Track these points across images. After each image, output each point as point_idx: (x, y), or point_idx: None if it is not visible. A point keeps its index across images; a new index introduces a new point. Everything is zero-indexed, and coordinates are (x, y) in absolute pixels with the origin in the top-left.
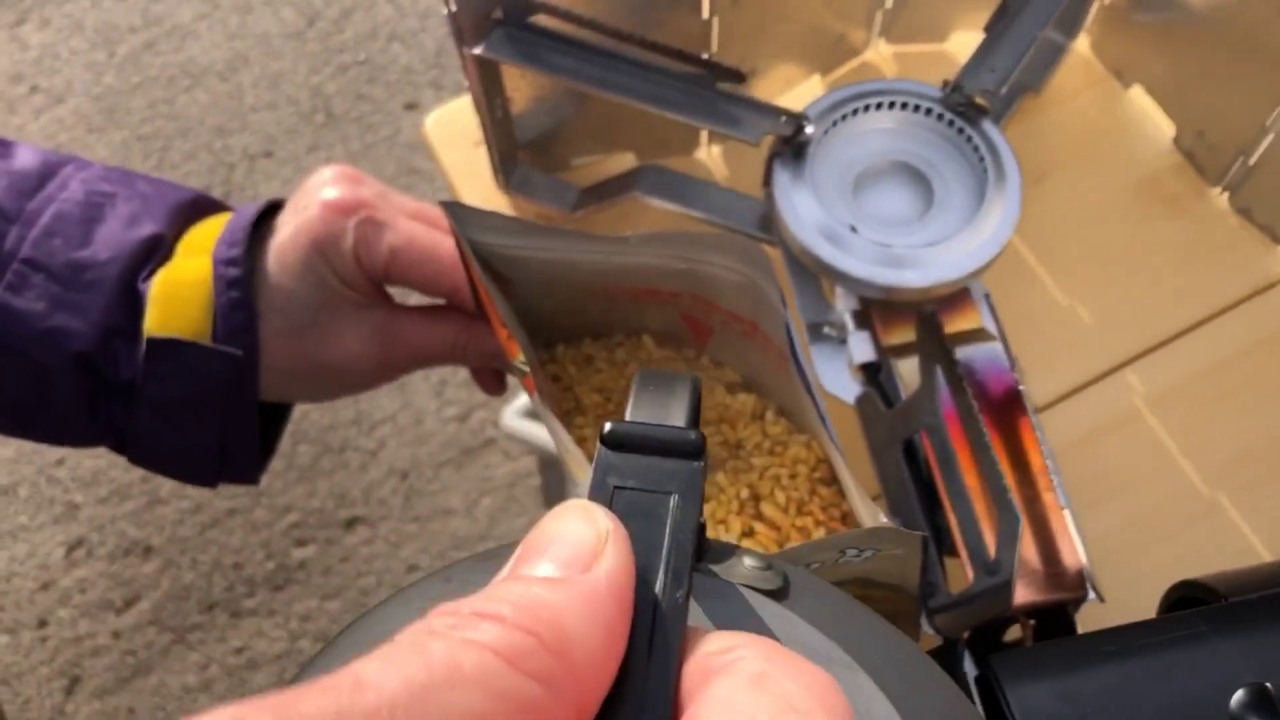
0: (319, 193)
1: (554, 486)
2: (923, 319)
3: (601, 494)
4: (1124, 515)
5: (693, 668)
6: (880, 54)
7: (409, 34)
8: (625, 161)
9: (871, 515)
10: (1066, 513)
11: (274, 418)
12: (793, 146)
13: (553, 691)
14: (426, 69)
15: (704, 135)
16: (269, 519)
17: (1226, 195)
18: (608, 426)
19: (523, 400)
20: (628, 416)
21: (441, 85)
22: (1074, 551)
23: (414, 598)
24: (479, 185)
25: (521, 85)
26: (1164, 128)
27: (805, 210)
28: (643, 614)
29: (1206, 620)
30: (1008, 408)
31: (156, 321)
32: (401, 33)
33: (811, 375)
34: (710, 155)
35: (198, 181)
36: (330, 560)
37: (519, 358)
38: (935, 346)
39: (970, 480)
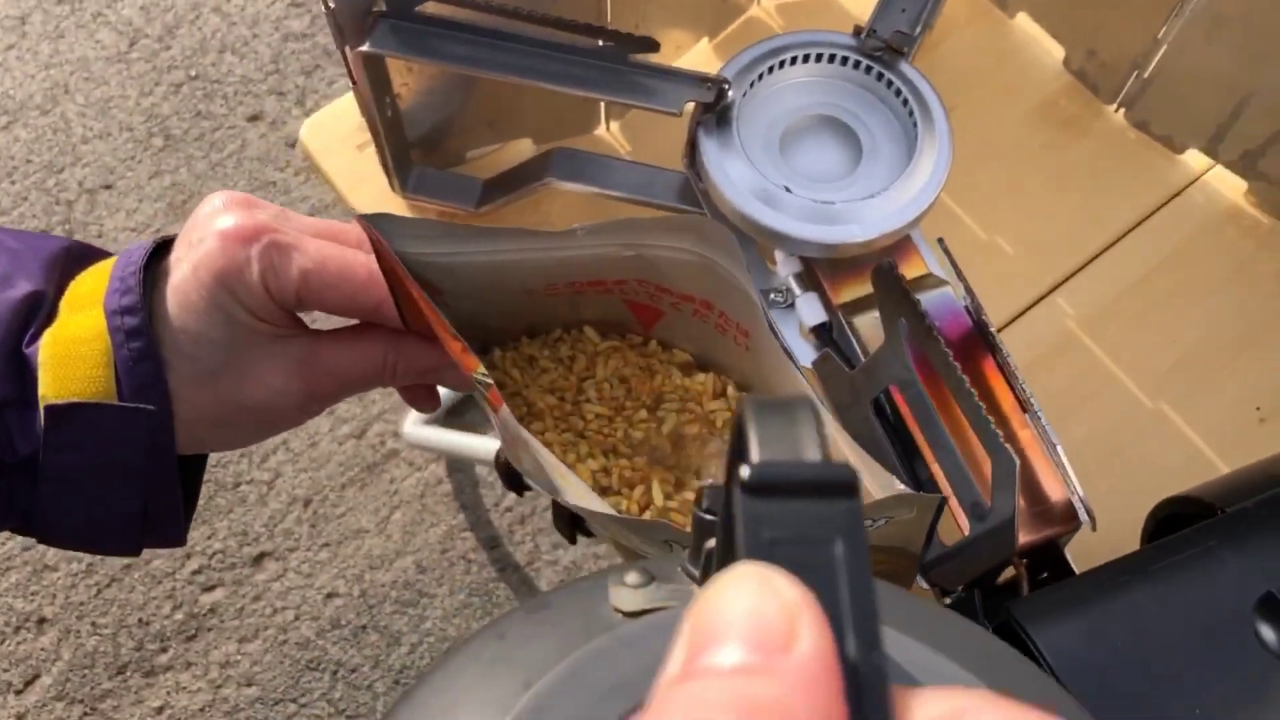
0: (213, 223)
1: (467, 491)
2: (880, 272)
3: (760, 553)
4: (1075, 438)
5: None
6: (764, 9)
7: (240, 43)
8: (522, 149)
9: (884, 483)
10: (1059, 447)
11: (191, 470)
12: (716, 112)
13: None
14: (265, 77)
15: (603, 112)
16: (169, 568)
17: (1123, 111)
18: (747, 472)
19: None
20: (755, 457)
21: (284, 92)
22: (1058, 485)
23: (468, 662)
24: (371, 191)
25: (410, 80)
26: (1053, 51)
27: (738, 175)
28: (847, 687)
29: (1212, 535)
30: (969, 350)
31: (52, 387)
32: (232, 42)
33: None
34: (611, 133)
35: (34, 224)
36: (242, 601)
37: (478, 370)
38: (896, 298)
39: (951, 428)
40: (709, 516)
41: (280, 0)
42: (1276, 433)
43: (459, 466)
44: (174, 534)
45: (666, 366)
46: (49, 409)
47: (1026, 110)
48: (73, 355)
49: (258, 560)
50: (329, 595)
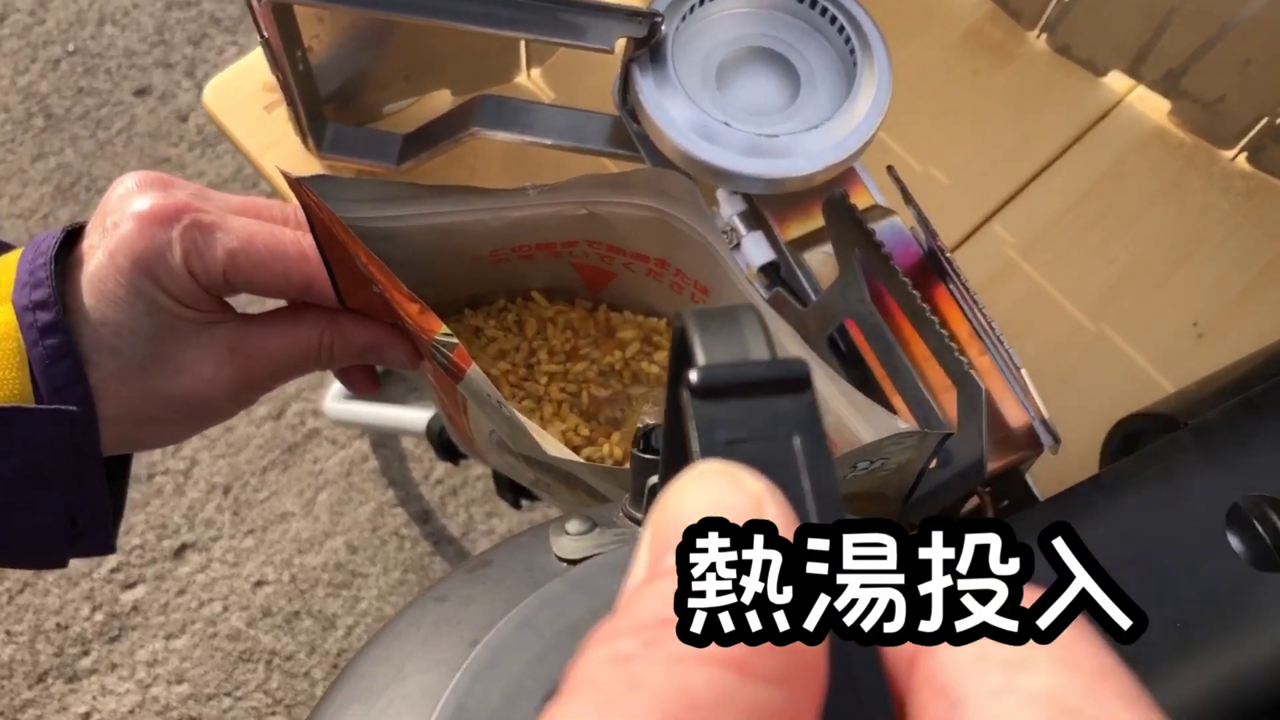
0: (128, 205)
1: (394, 466)
2: (831, 204)
3: (716, 454)
4: (1023, 363)
5: None
6: None
7: (120, 14)
8: (441, 102)
9: (882, 425)
10: (1022, 370)
11: (116, 472)
12: (649, 48)
13: (791, 691)
14: (150, 49)
15: (523, 59)
16: (85, 568)
17: (1045, 36)
18: (694, 375)
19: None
20: (700, 361)
21: (171, 64)
22: (1019, 411)
23: (408, 629)
24: (284, 153)
25: (321, 31)
26: None
27: (677, 112)
28: None
29: (1176, 449)
30: (921, 279)
31: None
32: (112, 13)
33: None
34: (532, 79)
35: None
36: (165, 596)
37: (440, 332)
38: (850, 229)
39: (912, 361)
40: (648, 455)
41: None
42: (1214, 347)
43: (384, 442)
44: (103, 541)
45: (619, 325)
46: None
47: (954, 39)
48: None
49: (179, 553)
50: (257, 583)
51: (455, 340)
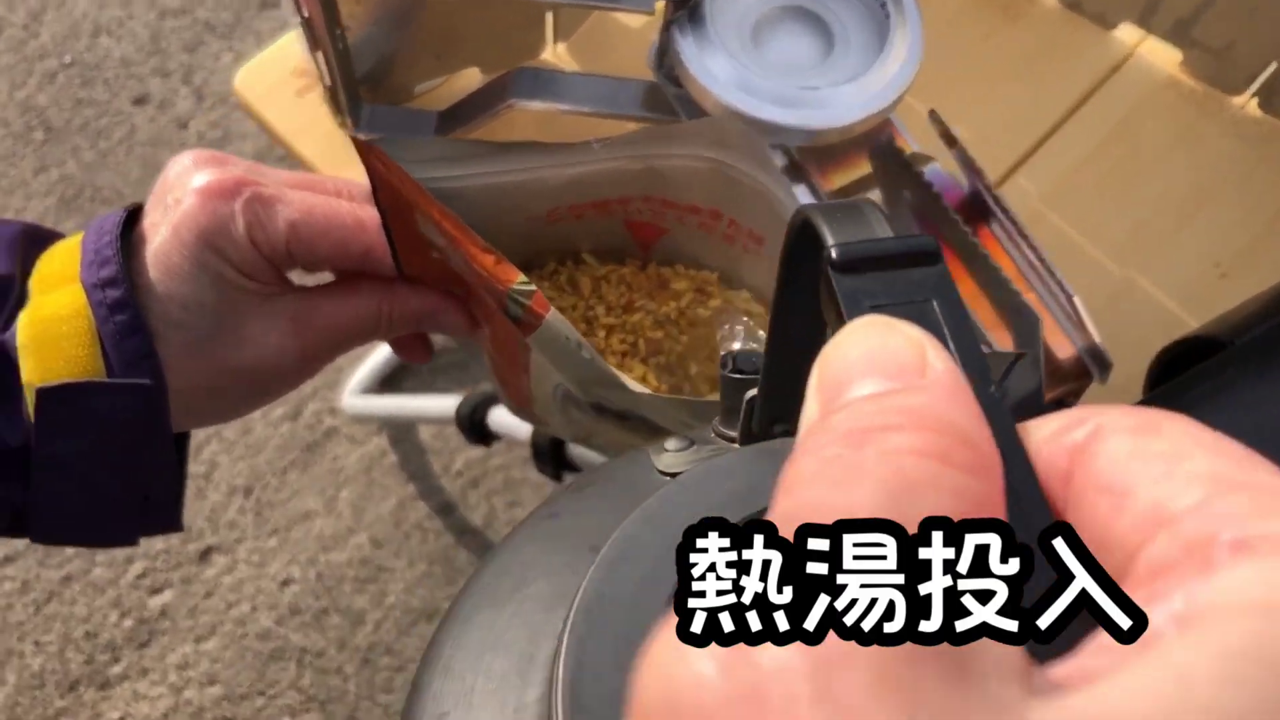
0: (188, 181)
1: (414, 460)
2: (879, 150)
3: (862, 313)
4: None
5: (1047, 453)
6: None
7: (115, 24)
8: (470, 80)
9: None
10: (1075, 298)
11: (180, 449)
12: (688, 8)
13: (987, 482)
14: (146, 57)
15: (549, 34)
16: (111, 575)
17: None
18: (834, 251)
19: (358, 378)
20: (831, 241)
21: (168, 72)
22: (1066, 343)
23: (524, 543)
24: (318, 136)
25: (358, 10)
26: None
27: (719, 70)
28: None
29: (1228, 366)
30: (967, 220)
31: (37, 371)
32: (106, 24)
33: None
34: (558, 54)
35: None
36: (193, 599)
37: (518, 280)
38: (897, 173)
39: (965, 296)
40: (739, 376)
41: None
42: (1238, 285)
43: (402, 437)
44: (172, 517)
45: (671, 278)
46: (39, 393)
47: (964, 0)
48: (54, 335)
49: (204, 556)
50: (284, 582)
51: (533, 287)
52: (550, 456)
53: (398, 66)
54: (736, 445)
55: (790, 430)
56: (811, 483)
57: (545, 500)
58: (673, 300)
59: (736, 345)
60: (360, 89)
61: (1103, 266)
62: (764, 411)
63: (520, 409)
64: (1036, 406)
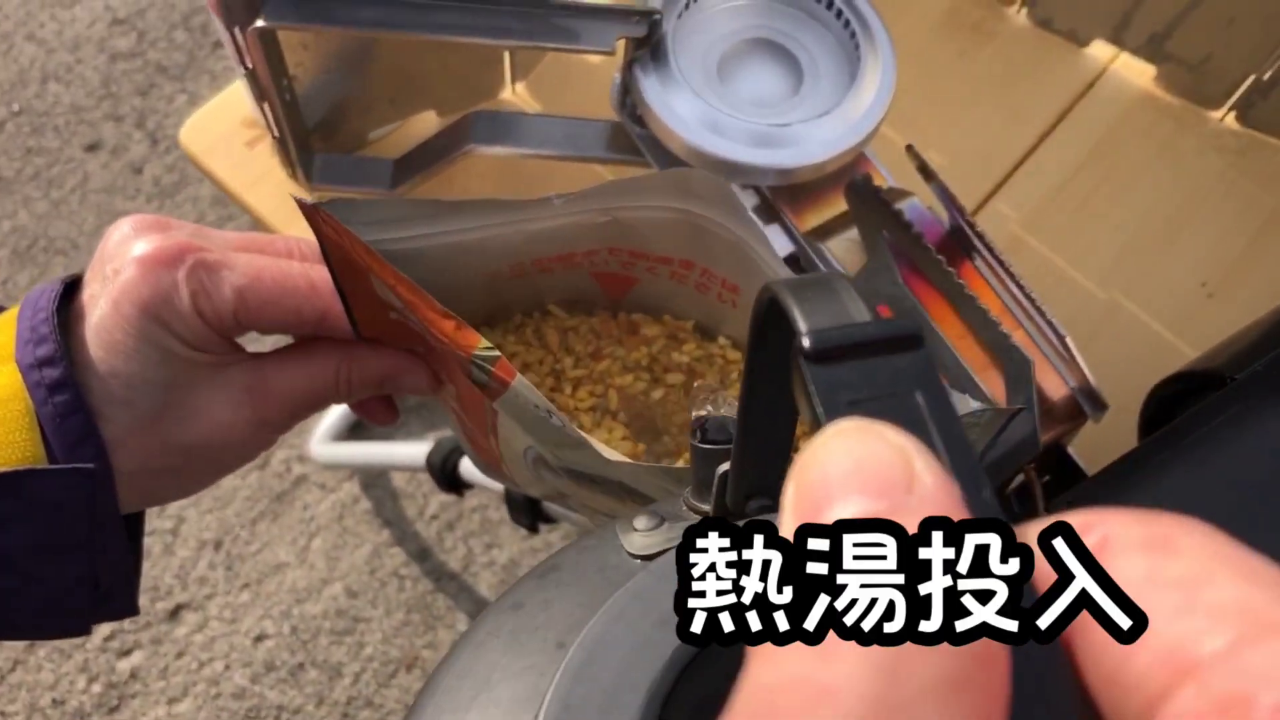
0: (128, 250)
1: (387, 505)
2: (854, 188)
3: (840, 414)
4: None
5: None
6: None
7: (64, 70)
8: (426, 124)
9: (958, 403)
10: (1068, 339)
11: (131, 531)
12: (650, 47)
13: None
14: (97, 102)
15: (507, 74)
16: (77, 639)
17: (1025, 11)
18: (807, 340)
19: (326, 424)
20: (803, 327)
21: (120, 116)
22: (1058, 382)
23: (488, 639)
24: (270, 188)
25: (305, 58)
26: None
27: (683, 109)
28: None
29: (1232, 401)
30: (948, 257)
31: None
32: (54, 70)
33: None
34: (518, 94)
35: None
36: (164, 660)
37: (480, 346)
38: (875, 211)
39: (951, 339)
40: (709, 445)
41: (100, 20)
42: (1226, 304)
43: (374, 482)
44: (127, 604)
45: (642, 324)
46: None
47: (934, 20)
48: None
49: (174, 614)
50: (258, 638)
51: (497, 353)
52: (525, 508)
53: (350, 113)
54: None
55: (766, 506)
56: (791, 648)
57: (509, 588)
58: (644, 346)
59: (708, 410)
60: (311, 138)
61: (1087, 291)
62: (737, 485)
63: (489, 468)
64: (1032, 451)
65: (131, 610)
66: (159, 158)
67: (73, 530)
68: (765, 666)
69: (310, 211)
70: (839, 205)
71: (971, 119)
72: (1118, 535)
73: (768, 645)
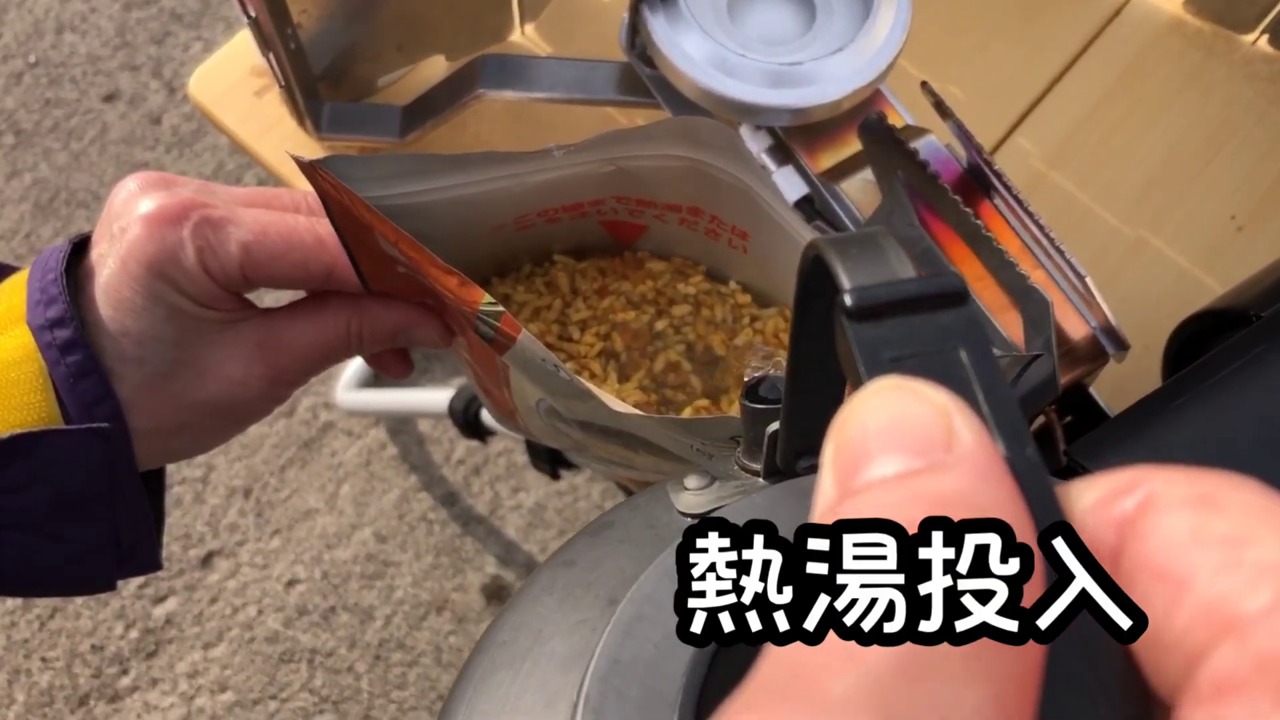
0: (134, 208)
1: (414, 451)
2: (868, 127)
3: (882, 371)
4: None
5: (1093, 525)
6: None
7: (78, 20)
8: (435, 69)
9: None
10: (1088, 278)
11: (153, 486)
12: None
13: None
14: (113, 52)
15: (516, 15)
16: None
17: None
18: (848, 297)
19: (350, 371)
20: (846, 284)
21: (136, 66)
22: (1079, 323)
23: (541, 594)
24: (280, 137)
25: (309, 5)
26: None
27: (693, 48)
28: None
29: (1257, 341)
30: (966, 196)
31: None
32: (70, 20)
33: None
34: (527, 35)
35: None
36: (198, 606)
37: (484, 301)
38: (890, 151)
39: (969, 279)
40: (761, 406)
41: None
42: (1256, 238)
43: (400, 427)
44: (150, 559)
45: (647, 259)
46: None
47: None
48: (2, 382)
49: (206, 561)
50: (289, 583)
51: (501, 309)
52: (546, 455)
53: (358, 60)
54: (760, 480)
55: (816, 465)
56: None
57: (562, 545)
58: (649, 280)
59: (764, 369)
60: (319, 86)
61: (1112, 227)
62: (788, 445)
63: (505, 419)
64: (1052, 393)
65: (155, 565)
66: (176, 107)
67: (92, 490)
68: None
69: (309, 169)
70: (854, 145)
71: (992, 50)
72: (1162, 493)
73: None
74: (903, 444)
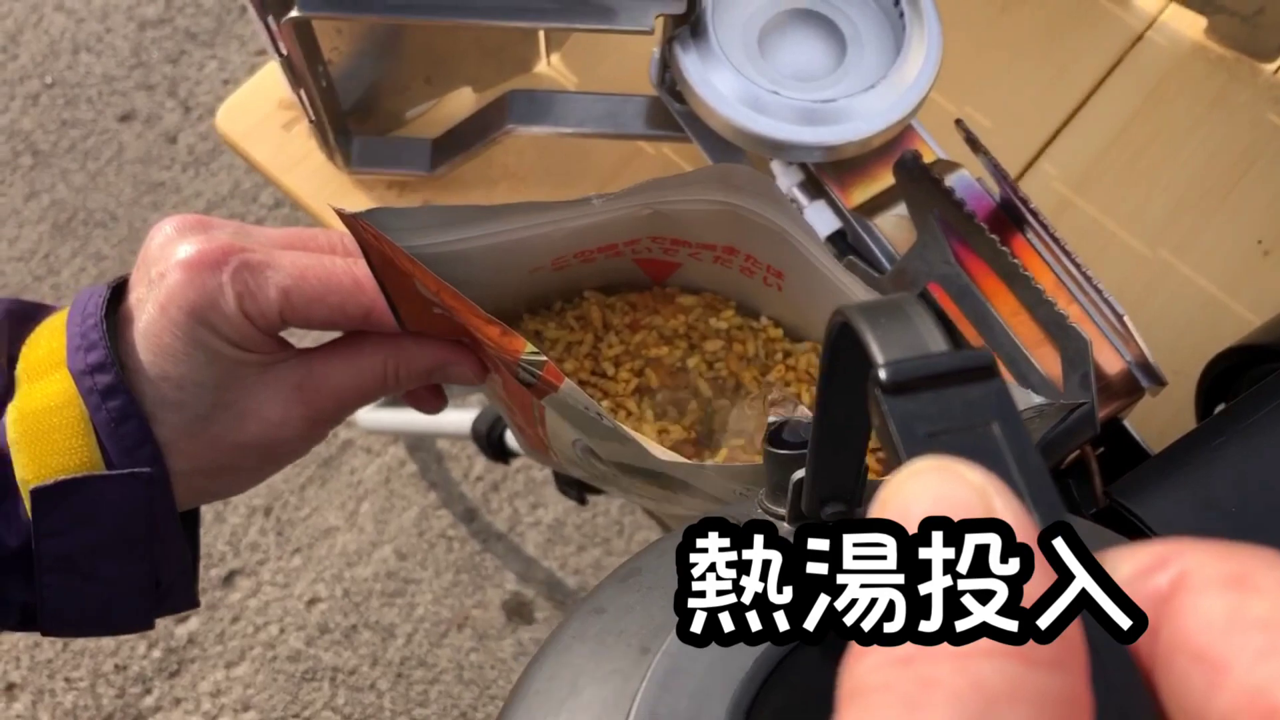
0: (172, 254)
1: (433, 468)
2: (903, 165)
3: (919, 448)
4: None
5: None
6: None
7: (94, 40)
8: (463, 101)
9: (1016, 395)
10: (1125, 317)
11: (189, 526)
12: (689, 22)
13: (1070, 675)
14: (128, 72)
15: (542, 46)
16: None
17: None
18: (883, 372)
19: None
20: (880, 358)
21: (152, 85)
22: (1114, 358)
23: (574, 643)
24: (309, 172)
25: (340, 42)
26: None
27: (724, 85)
28: None
29: None
30: (999, 231)
31: (31, 469)
32: (85, 40)
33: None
34: (553, 66)
35: None
36: (220, 625)
37: (526, 350)
38: (925, 188)
39: (1005, 316)
40: (785, 452)
41: None
42: None
43: (419, 445)
44: (187, 597)
45: (677, 294)
46: (33, 493)
47: None
48: (45, 428)
49: (228, 580)
50: (311, 601)
51: (544, 358)
52: (573, 480)
53: (386, 94)
54: (785, 525)
55: (841, 511)
56: (878, 702)
57: (591, 591)
58: (680, 314)
59: (784, 412)
60: (348, 120)
61: (1138, 252)
62: (813, 492)
63: (536, 453)
64: (1090, 431)
65: (192, 603)
66: (192, 126)
67: (132, 533)
68: (855, 717)
69: (350, 221)
70: (886, 179)
71: (1015, 76)
72: (1196, 571)
73: (858, 694)
74: None
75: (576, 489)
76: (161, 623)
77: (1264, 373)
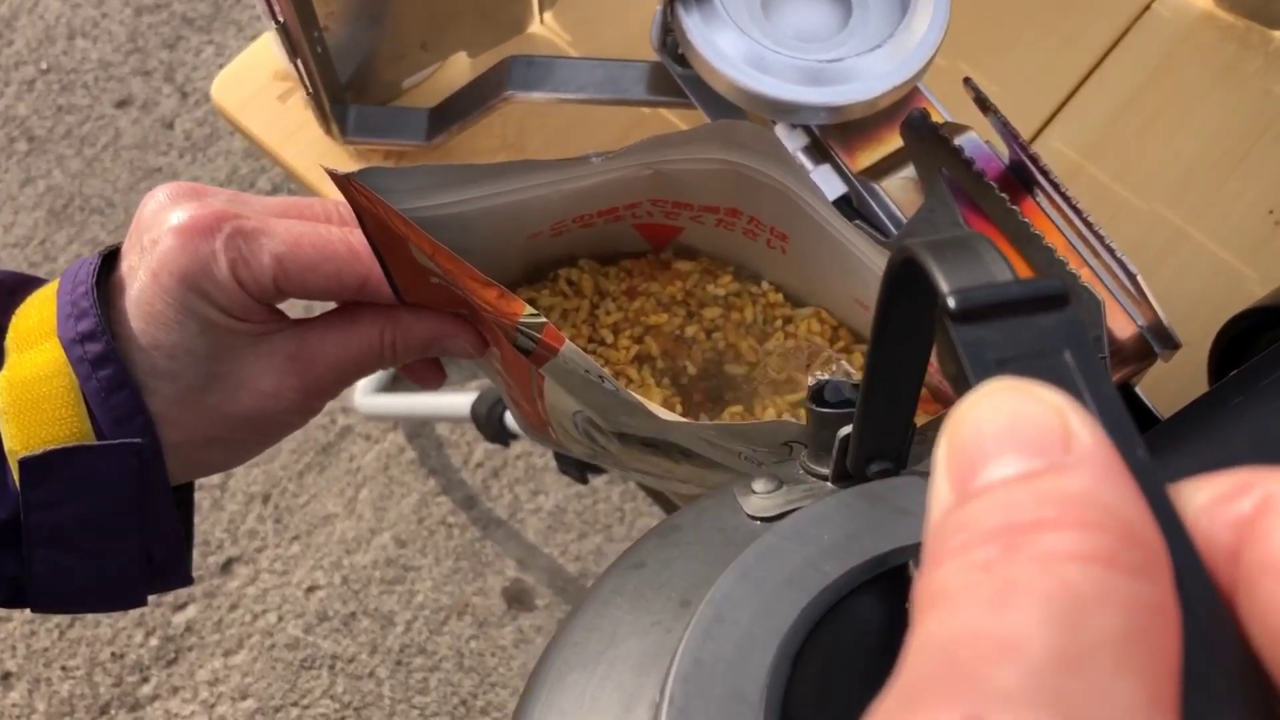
0: (164, 220)
1: (432, 455)
2: (911, 125)
3: (988, 373)
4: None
5: (1206, 525)
6: None
7: (90, 25)
8: (459, 69)
9: None
10: (1138, 276)
11: (182, 501)
12: None
13: (1159, 584)
14: (124, 58)
15: (535, 5)
16: None
17: None
18: (952, 299)
19: (369, 377)
20: (945, 287)
21: (148, 71)
22: (1126, 322)
23: (612, 596)
24: (305, 144)
25: (336, 7)
26: None
27: (728, 46)
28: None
29: None
30: (1008, 193)
31: (19, 439)
32: (81, 26)
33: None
34: (547, 25)
35: None
36: (218, 613)
37: (525, 313)
38: (933, 148)
39: None
40: (831, 410)
41: None
42: None
43: (419, 431)
44: (180, 574)
45: (672, 260)
46: (22, 464)
47: None
48: (34, 398)
49: (226, 567)
50: (309, 589)
51: (543, 320)
52: (574, 461)
53: (382, 62)
54: (828, 484)
55: (887, 469)
56: (963, 601)
57: (630, 547)
58: (678, 280)
59: (827, 373)
60: (344, 90)
61: (1149, 220)
62: (859, 449)
63: (534, 430)
64: None
65: (185, 580)
66: (189, 111)
67: (124, 505)
68: (939, 619)
69: (343, 182)
70: (892, 143)
71: (1023, 44)
72: (1278, 495)
73: (940, 598)
74: (1021, 445)
75: (578, 468)
76: (159, 610)
77: (1278, 336)
